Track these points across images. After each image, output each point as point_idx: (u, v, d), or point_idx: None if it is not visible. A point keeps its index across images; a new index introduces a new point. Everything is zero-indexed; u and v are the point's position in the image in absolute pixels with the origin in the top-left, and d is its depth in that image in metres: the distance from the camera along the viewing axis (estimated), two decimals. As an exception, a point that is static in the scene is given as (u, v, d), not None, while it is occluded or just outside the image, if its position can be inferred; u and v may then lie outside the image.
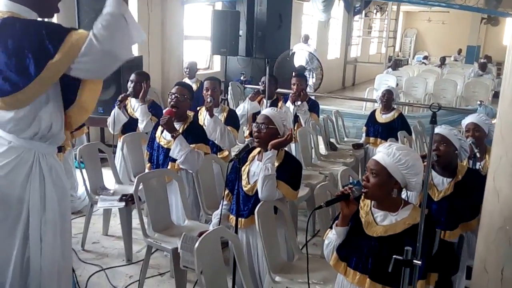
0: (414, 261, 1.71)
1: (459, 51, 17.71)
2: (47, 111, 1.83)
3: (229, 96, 7.24)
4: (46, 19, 2.00)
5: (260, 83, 4.85)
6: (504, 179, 2.22)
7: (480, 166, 3.25)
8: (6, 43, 1.72)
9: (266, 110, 2.80)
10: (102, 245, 3.82)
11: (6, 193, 1.82)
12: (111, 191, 3.77)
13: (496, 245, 2.21)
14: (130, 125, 4.28)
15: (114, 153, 4.27)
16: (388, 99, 4.86)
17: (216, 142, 3.85)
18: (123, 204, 3.48)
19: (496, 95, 10.55)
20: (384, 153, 2.00)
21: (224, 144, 3.89)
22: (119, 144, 4.21)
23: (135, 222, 3.67)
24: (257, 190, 2.69)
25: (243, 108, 4.49)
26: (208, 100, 3.89)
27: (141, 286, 3.11)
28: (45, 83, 1.73)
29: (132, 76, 4.27)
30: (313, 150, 4.85)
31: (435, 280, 1.98)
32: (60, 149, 4.20)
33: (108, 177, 4.02)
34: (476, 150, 3.08)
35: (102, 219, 4.02)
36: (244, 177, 2.77)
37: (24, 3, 1.83)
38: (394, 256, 1.76)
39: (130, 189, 3.70)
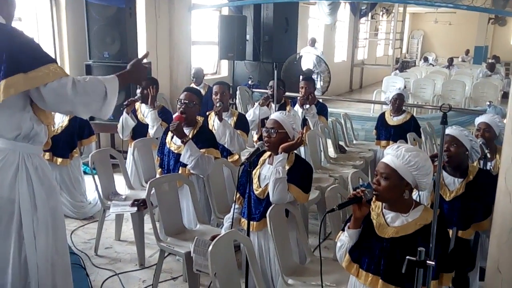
0: (428, 261, 1.72)
1: (467, 52, 17.64)
2: (27, 116, 1.90)
3: (237, 101, 7.28)
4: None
5: (268, 87, 4.87)
6: (516, 179, 2.22)
7: (491, 167, 3.25)
8: None
9: (275, 115, 2.82)
10: (115, 250, 3.85)
11: None
12: (123, 197, 3.81)
13: (509, 246, 2.22)
14: (141, 130, 4.33)
15: (125, 158, 4.32)
16: (400, 104, 4.85)
17: (225, 146, 3.87)
18: (135, 209, 3.50)
19: (505, 96, 10.49)
20: (393, 155, 2.01)
21: (233, 148, 3.91)
22: (130, 150, 4.25)
23: (147, 227, 3.71)
24: (268, 194, 2.70)
25: (253, 114, 4.51)
26: (217, 104, 3.92)
27: (154, 290, 3.14)
28: (9, 90, 1.78)
29: (141, 82, 4.32)
30: (322, 153, 4.86)
31: (449, 280, 1.98)
32: (68, 155, 4.28)
33: (119, 183, 4.06)
34: (486, 151, 3.08)
35: (114, 224, 4.06)
36: (255, 180, 2.79)
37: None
38: (407, 257, 1.76)
39: (142, 194, 3.75)
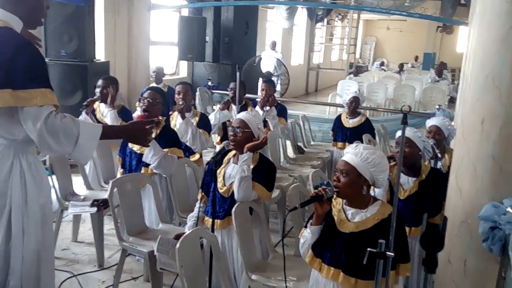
0: (387, 253, 1.83)
1: (416, 58, 18.41)
2: (18, 127, 1.88)
3: (197, 101, 7.27)
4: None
5: (229, 89, 4.91)
6: (465, 178, 2.39)
7: (441, 165, 3.45)
8: None
9: (241, 114, 2.87)
10: (72, 252, 3.77)
11: None
12: (82, 197, 3.74)
13: (459, 238, 2.38)
14: (100, 130, 4.25)
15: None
16: (355, 106, 5.04)
17: (188, 144, 3.87)
18: (95, 209, 3.45)
19: (451, 100, 11.04)
20: (352, 153, 2.11)
21: (195, 146, 3.91)
22: (89, 150, 4.16)
23: (105, 227, 3.66)
24: (232, 192, 2.75)
25: (214, 118, 4.51)
26: (180, 102, 3.92)
27: (116, 290, 3.11)
28: None
29: (99, 81, 4.25)
30: (281, 153, 4.96)
31: (406, 270, 2.10)
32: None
33: (77, 183, 3.98)
34: (437, 151, 3.26)
35: (71, 225, 3.97)
36: (220, 179, 2.83)
37: (17, 13, 1.90)
38: (368, 249, 1.86)
39: (101, 195, 3.70)
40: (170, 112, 4.14)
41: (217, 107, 4.76)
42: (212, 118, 4.59)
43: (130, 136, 2.15)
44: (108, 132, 2.02)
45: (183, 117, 3.83)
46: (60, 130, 1.84)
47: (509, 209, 2.15)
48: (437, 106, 6.33)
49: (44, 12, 2.02)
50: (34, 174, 1.98)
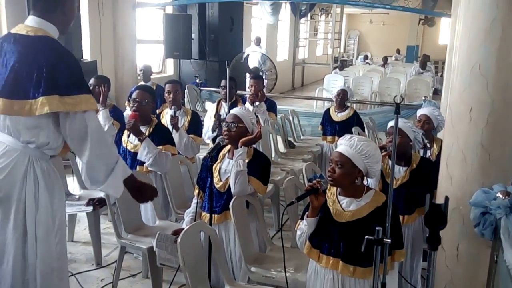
0: (384, 239, 1.89)
1: (398, 51, 18.60)
2: (44, 134, 1.95)
3: (186, 99, 7.28)
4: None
5: (220, 87, 4.92)
6: (455, 165, 2.47)
7: (430, 155, 3.53)
8: (37, 56, 1.87)
9: (235, 110, 2.91)
10: (68, 251, 3.72)
11: (7, 193, 1.94)
12: (77, 197, 3.75)
13: (451, 224, 2.44)
14: (92, 130, 4.25)
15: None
16: (343, 98, 5.11)
17: (180, 151, 3.88)
18: (90, 208, 3.47)
19: (435, 92, 11.21)
20: (346, 145, 2.17)
21: (187, 154, 3.92)
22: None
23: (101, 227, 3.67)
24: (229, 187, 2.80)
25: (207, 128, 4.51)
26: (172, 108, 3.91)
27: (115, 287, 3.13)
28: (43, 107, 1.84)
29: (91, 80, 4.25)
30: (273, 148, 5.02)
31: (401, 255, 2.17)
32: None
33: (71, 183, 3.98)
34: (426, 141, 3.35)
35: (67, 225, 3.97)
36: (215, 174, 2.87)
37: (54, 21, 1.98)
38: (366, 237, 1.92)
39: (95, 194, 3.71)
40: (159, 110, 4.15)
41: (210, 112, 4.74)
42: (206, 126, 4.55)
43: (140, 188, 2.19)
44: (129, 181, 2.11)
45: (176, 130, 3.82)
46: (106, 144, 1.99)
47: (499, 194, 2.22)
48: (423, 98, 6.45)
49: (75, 15, 2.10)
50: (47, 182, 2.01)
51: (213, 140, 4.52)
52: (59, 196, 2.07)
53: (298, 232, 2.30)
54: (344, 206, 2.19)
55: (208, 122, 4.58)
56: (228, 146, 2.92)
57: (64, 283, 2.15)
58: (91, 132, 1.92)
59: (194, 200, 2.96)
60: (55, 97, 1.84)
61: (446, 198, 1.60)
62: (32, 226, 1.96)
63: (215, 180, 2.86)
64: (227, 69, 4.01)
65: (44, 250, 1.99)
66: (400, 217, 2.74)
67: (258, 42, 10.90)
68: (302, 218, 2.30)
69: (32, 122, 1.91)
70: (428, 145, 3.37)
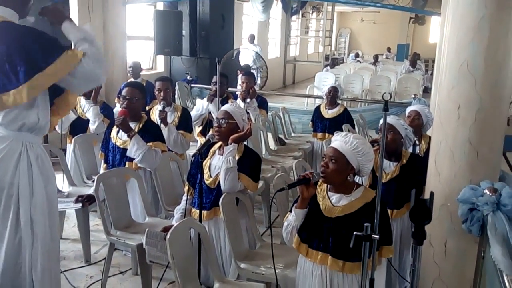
0: (373, 235, 1.90)
1: (389, 49, 18.70)
2: (34, 111, 1.99)
3: (176, 96, 7.26)
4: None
5: (212, 84, 4.91)
6: (444, 162, 2.49)
7: (418, 151, 3.57)
8: (1, 47, 1.87)
9: (226, 106, 2.91)
10: (57, 249, 3.75)
11: (0, 179, 1.98)
12: (65, 193, 3.72)
13: (439, 221, 2.47)
14: (81, 126, 4.23)
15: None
16: (333, 95, 5.13)
17: (169, 147, 3.88)
18: (79, 205, 3.44)
19: (425, 90, 11.30)
20: (341, 141, 2.18)
21: (177, 150, 3.92)
22: (71, 146, 4.15)
23: (90, 224, 3.65)
24: (219, 183, 2.79)
25: (201, 108, 4.53)
26: (161, 105, 3.91)
27: (104, 285, 3.12)
28: (33, 91, 1.88)
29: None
30: (263, 145, 5.02)
31: (389, 251, 2.19)
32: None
33: (59, 180, 3.94)
34: (415, 138, 3.37)
35: (56, 221, 3.95)
36: (206, 171, 2.87)
37: (13, 6, 1.99)
38: (355, 233, 1.94)
39: (84, 191, 3.70)
40: (148, 106, 4.14)
41: (202, 100, 4.75)
42: (199, 108, 4.58)
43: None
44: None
45: (165, 124, 3.81)
46: (96, 56, 2.04)
47: (486, 191, 2.25)
48: (413, 95, 6.49)
49: None
50: (41, 166, 2.06)
51: (202, 132, 4.53)
52: (51, 181, 2.14)
53: (285, 223, 2.31)
54: (334, 202, 2.20)
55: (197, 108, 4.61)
56: (219, 143, 2.91)
57: (57, 266, 2.22)
58: (93, 68, 1.97)
59: (184, 197, 2.95)
60: (38, 76, 1.85)
61: (431, 194, 1.61)
62: (27, 210, 2.00)
63: (205, 176, 2.86)
64: (218, 66, 4.00)
65: (41, 232, 2.04)
66: (389, 211, 2.78)
67: (252, 39, 10.88)
68: (290, 211, 2.31)
69: (22, 106, 1.93)
70: (417, 142, 3.40)
